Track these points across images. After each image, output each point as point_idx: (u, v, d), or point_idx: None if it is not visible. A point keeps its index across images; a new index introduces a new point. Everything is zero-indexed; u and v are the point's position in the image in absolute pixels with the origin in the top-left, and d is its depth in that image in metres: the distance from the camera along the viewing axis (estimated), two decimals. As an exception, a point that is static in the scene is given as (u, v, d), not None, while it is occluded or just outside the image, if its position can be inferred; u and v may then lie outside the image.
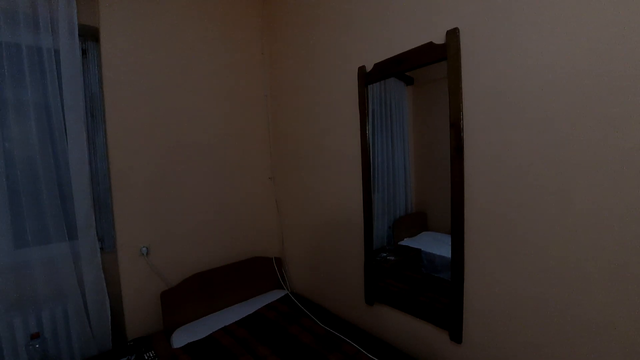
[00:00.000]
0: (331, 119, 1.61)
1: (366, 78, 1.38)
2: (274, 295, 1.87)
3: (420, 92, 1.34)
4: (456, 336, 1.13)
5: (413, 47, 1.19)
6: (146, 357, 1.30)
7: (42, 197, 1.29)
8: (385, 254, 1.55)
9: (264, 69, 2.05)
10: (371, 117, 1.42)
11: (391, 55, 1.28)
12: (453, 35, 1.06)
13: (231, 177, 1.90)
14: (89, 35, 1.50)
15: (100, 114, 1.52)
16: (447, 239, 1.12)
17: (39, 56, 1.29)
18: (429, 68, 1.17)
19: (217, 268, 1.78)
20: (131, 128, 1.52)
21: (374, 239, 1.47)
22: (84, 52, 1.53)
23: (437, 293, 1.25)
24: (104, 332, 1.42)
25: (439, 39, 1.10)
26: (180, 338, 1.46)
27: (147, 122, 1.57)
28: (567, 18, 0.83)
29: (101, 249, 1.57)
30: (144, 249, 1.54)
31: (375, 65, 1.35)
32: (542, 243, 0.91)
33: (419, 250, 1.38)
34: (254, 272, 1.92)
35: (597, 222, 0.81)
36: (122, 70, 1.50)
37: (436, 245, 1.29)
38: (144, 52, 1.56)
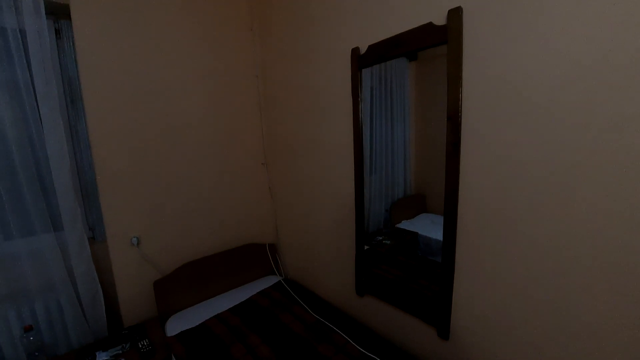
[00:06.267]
0: (324, 102, 1.52)
1: (359, 61, 1.28)
2: (268, 281, 1.88)
3: (423, 69, 1.25)
4: (444, 332, 1.13)
5: (411, 27, 1.07)
6: (140, 345, 1.32)
7: (23, 191, 1.25)
8: (381, 237, 1.54)
9: (255, 49, 1.91)
10: (369, 95, 1.34)
11: (387, 37, 1.16)
12: (455, 15, 0.94)
13: (223, 163, 1.84)
14: (62, 14, 1.38)
15: (80, 100, 1.44)
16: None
17: (4, 39, 1.19)
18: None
19: (211, 256, 1.78)
20: (113, 113, 1.44)
21: (371, 222, 1.45)
22: (57, 32, 1.42)
23: (430, 280, 1.25)
24: (98, 320, 1.45)
25: (440, 19, 0.99)
26: (175, 325, 1.49)
27: (130, 106, 1.49)
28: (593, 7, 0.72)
29: (93, 238, 1.56)
30: (135, 239, 1.53)
31: (370, 47, 1.23)
32: (541, 241, 0.86)
33: (415, 234, 1.36)
34: (247, 259, 1.92)
35: (597, 220, 0.76)
36: (98, 51, 1.38)
37: (433, 228, 1.27)
38: (120, 29, 1.44)
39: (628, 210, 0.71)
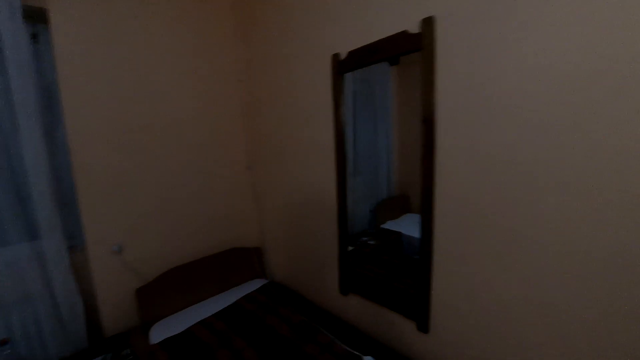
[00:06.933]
0: (306, 107, 1.55)
1: (340, 66, 1.32)
2: (254, 285, 1.88)
3: (404, 73, 1.30)
4: (423, 326, 1.17)
5: (387, 35, 1.12)
6: (123, 354, 1.30)
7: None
8: (366, 238, 1.57)
9: (238, 53, 1.93)
10: (352, 98, 1.38)
11: (365, 44, 1.21)
12: (428, 24, 1.00)
13: (207, 167, 1.84)
14: (39, 18, 1.35)
15: (58, 105, 1.41)
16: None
17: (-21, 44, 1.17)
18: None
19: (196, 260, 1.76)
20: (93, 118, 1.42)
21: (356, 223, 1.47)
22: (34, 37, 1.39)
23: (412, 277, 1.28)
24: (78, 331, 1.41)
25: (414, 28, 1.04)
26: (158, 333, 1.46)
27: (110, 110, 1.47)
28: (557, 15, 0.78)
29: (73, 247, 1.52)
30: (116, 247, 1.50)
31: (350, 53, 1.28)
32: (512, 236, 0.92)
33: (399, 234, 1.39)
34: (233, 263, 1.91)
35: (563, 213, 0.82)
36: (78, 55, 1.37)
37: (416, 228, 1.31)
38: (101, 33, 1.43)
39: (588, 205, 0.77)
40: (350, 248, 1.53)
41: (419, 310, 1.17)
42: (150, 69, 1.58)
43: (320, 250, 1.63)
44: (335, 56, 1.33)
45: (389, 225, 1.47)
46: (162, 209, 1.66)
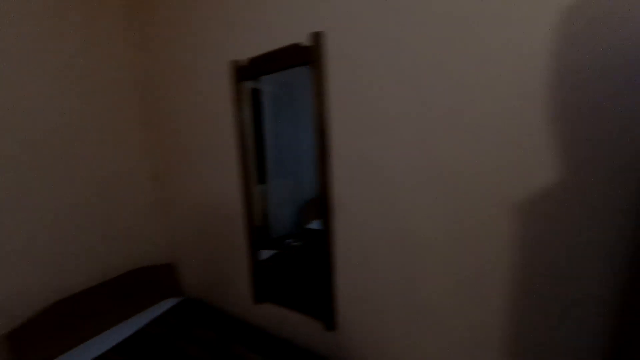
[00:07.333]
0: (209, 113, 1.48)
1: (241, 73, 1.29)
2: (164, 306, 1.73)
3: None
4: (330, 324, 1.24)
5: (281, 46, 1.14)
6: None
7: None
8: (291, 240, 1.57)
9: (134, 60, 1.73)
10: (273, 102, 1.37)
11: (263, 52, 1.21)
12: (317, 38, 1.04)
13: (100, 180, 1.61)
14: None
15: None
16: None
17: None
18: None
19: (89, 289, 1.53)
20: None
21: (280, 225, 1.48)
22: None
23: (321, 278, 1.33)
24: None
25: (306, 41, 1.08)
26: (38, 382, 1.23)
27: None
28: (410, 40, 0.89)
29: None
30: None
31: (251, 60, 1.26)
32: (390, 229, 1.03)
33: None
34: (139, 285, 1.72)
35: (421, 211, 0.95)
36: None
37: None
38: None
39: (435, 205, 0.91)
40: (269, 254, 1.52)
41: (324, 310, 1.23)
42: (29, 76, 1.33)
43: (233, 260, 1.58)
44: (235, 62, 1.29)
45: (314, 225, 1.50)
46: (37, 231, 1.39)
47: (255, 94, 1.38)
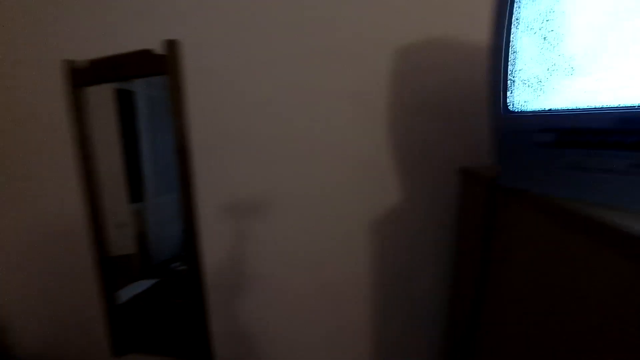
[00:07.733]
0: (42, 123, 1.16)
1: (79, 77, 1.05)
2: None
3: None
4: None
5: (130, 50, 0.97)
6: None
7: None
8: (177, 264, 1.36)
9: None
10: (149, 109, 1.19)
11: (109, 54, 1.00)
12: (172, 46, 0.93)
13: None
14: None
15: None
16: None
17: None
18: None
19: None
20: None
21: (165, 248, 1.30)
22: None
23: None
24: None
25: (160, 48, 0.95)
26: None
27: None
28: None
29: None
30: None
31: (93, 63, 1.03)
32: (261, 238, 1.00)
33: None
34: None
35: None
36: None
37: None
38: None
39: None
40: (147, 284, 1.31)
41: (200, 349, 1.11)
42: None
43: (84, 305, 1.27)
44: (70, 63, 1.04)
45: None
46: None
47: (127, 97, 1.16)
